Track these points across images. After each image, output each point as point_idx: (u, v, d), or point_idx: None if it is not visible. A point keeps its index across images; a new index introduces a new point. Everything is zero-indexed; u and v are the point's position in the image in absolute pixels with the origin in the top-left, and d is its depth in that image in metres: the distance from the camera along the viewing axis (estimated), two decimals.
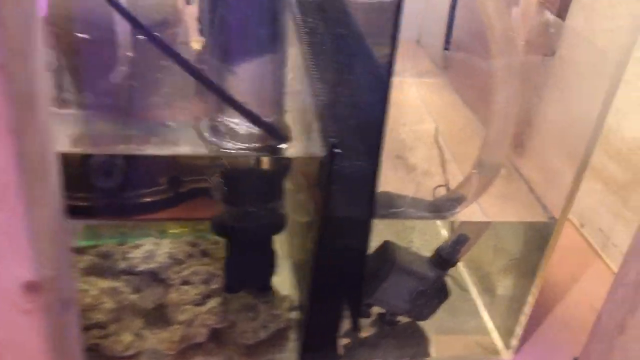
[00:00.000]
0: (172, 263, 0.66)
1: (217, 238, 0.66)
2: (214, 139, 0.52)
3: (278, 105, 0.53)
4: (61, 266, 0.45)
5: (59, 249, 0.45)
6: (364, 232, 0.59)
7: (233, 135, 0.52)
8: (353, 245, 0.59)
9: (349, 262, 0.60)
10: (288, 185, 0.90)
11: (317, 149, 0.53)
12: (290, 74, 0.65)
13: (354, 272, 0.61)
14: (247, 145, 0.53)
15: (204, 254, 0.68)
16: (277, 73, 0.51)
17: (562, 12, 0.69)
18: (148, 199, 0.71)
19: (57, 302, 0.45)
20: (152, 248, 0.66)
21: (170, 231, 0.74)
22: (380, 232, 0.91)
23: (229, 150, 0.52)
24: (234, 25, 0.48)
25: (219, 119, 0.52)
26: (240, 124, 0.52)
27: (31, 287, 0.41)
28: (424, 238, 0.94)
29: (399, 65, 0.96)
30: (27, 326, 0.44)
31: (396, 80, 1.00)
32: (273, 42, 0.49)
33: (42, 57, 0.41)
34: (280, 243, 0.81)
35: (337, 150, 0.52)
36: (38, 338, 0.44)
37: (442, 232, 0.91)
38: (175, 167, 0.72)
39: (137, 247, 0.67)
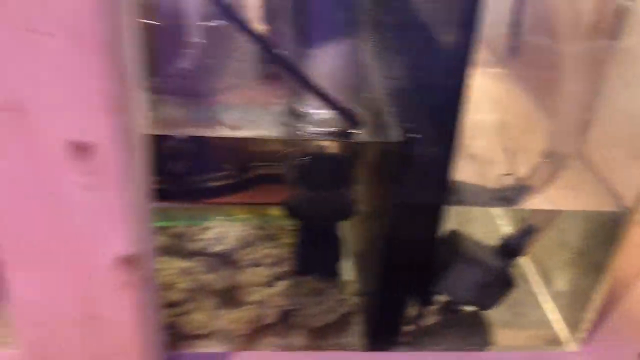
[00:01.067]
0: (242, 245, 0.67)
1: (281, 223, 0.67)
2: (293, 123, 0.53)
3: (353, 90, 0.54)
4: (148, 244, 0.47)
5: (146, 227, 0.46)
6: (436, 219, 0.58)
7: (308, 119, 0.53)
8: (423, 232, 0.59)
9: (418, 250, 0.60)
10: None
11: (392, 134, 0.53)
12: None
13: (423, 260, 0.61)
14: (322, 129, 0.53)
15: (270, 238, 0.69)
16: (353, 57, 0.52)
17: None
18: (216, 184, 0.73)
19: (145, 278, 0.46)
20: (222, 230, 0.68)
21: (235, 216, 0.75)
22: None
23: (306, 134, 0.53)
24: (314, 9, 0.48)
25: (295, 103, 0.53)
26: (315, 109, 0.53)
27: (126, 262, 0.43)
28: (477, 227, 0.93)
29: None
30: (119, 300, 0.45)
31: None
32: (350, 26, 0.50)
33: (134, 38, 0.42)
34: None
35: (414, 135, 0.52)
36: (129, 312, 0.46)
37: (496, 221, 0.90)
38: (243, 153, 0.73)
39: (207, 229, 0.68)
